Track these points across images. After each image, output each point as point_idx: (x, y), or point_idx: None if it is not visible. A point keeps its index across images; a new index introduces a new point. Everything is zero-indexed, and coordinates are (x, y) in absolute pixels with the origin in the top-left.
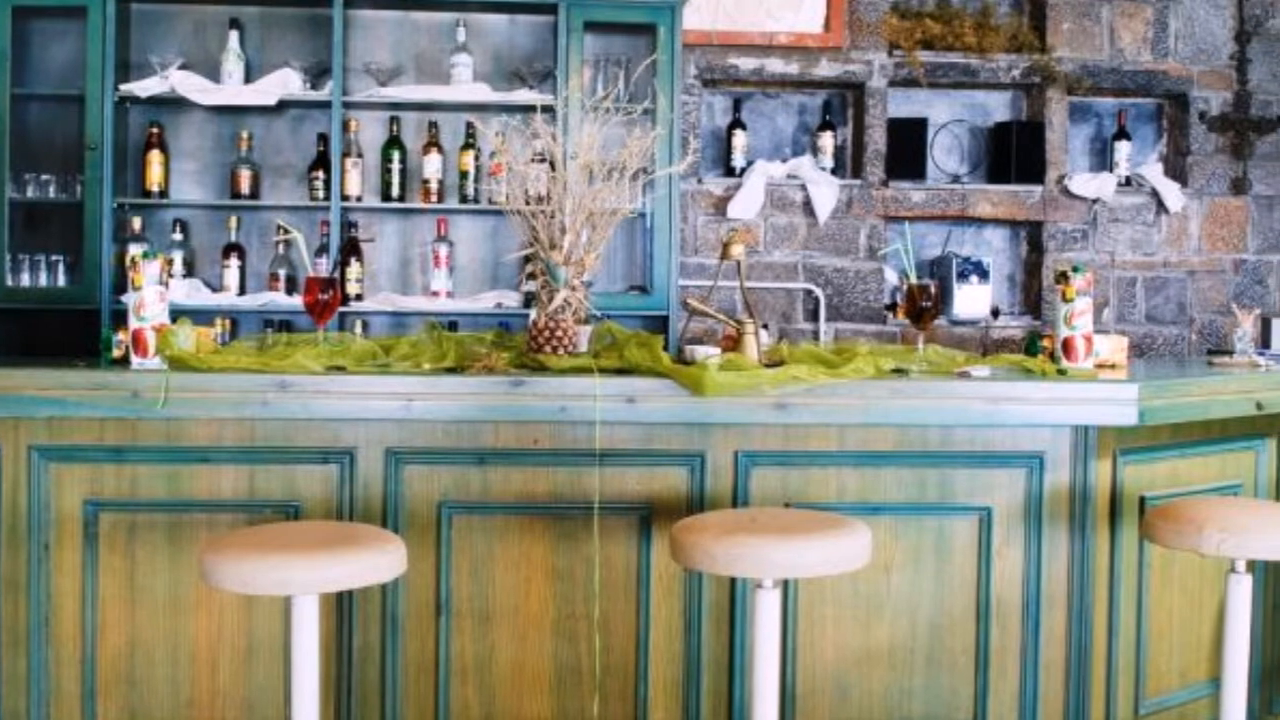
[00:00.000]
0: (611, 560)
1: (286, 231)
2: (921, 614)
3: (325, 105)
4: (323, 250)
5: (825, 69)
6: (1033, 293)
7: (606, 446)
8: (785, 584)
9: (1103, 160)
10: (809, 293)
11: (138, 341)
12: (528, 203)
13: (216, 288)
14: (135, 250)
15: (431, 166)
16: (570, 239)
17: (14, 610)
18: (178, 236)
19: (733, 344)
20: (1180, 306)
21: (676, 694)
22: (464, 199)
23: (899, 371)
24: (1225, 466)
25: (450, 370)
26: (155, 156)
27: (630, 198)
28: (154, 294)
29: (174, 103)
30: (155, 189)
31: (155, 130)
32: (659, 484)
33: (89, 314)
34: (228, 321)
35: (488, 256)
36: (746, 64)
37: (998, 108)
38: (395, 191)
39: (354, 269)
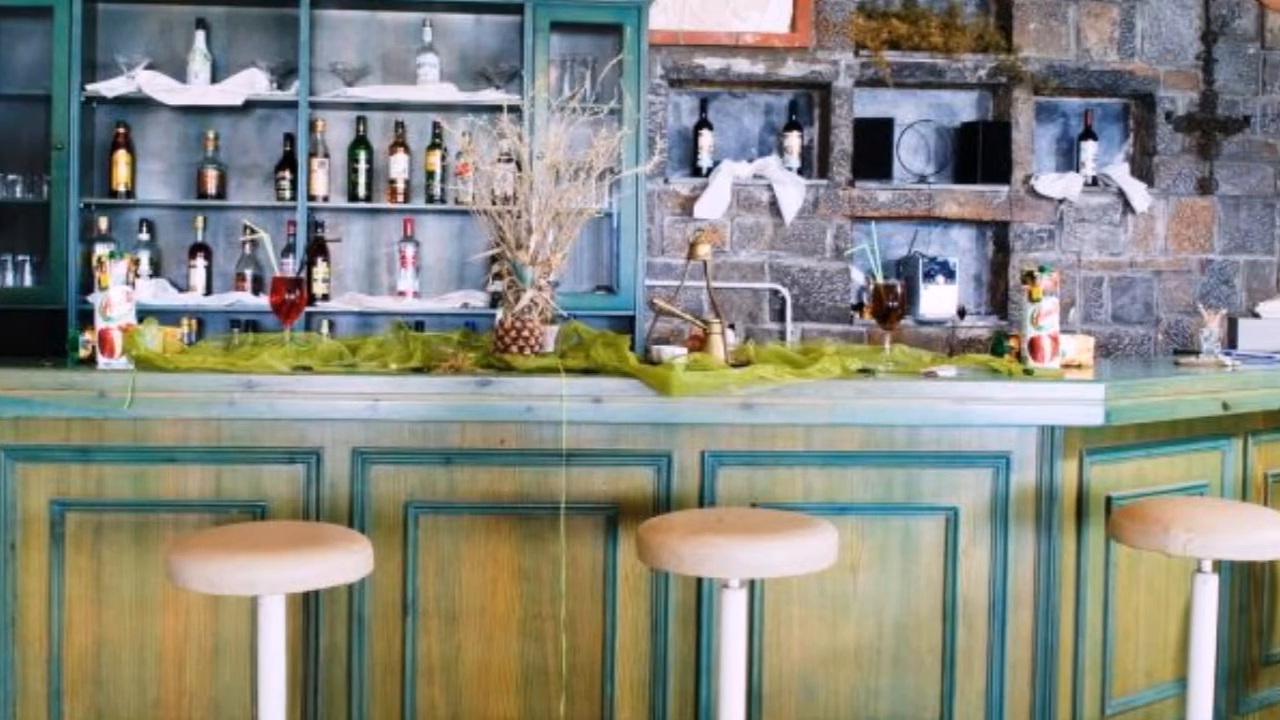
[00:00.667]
0: (578, 560)
1: (253, 231)
2: (888, 614)
3: (292, 105)
4: (289, 250)
5: (791, 69)
6: (999, 293)
7: (573, 446)
8: (752, 584)
9: (1069, 160)
10: (775, 293)
11: (104, 341)
12: (494, 203)
13: (183, 288)
14: (102, 250)
15: (398, 166)
16: (537, 239)
17: None
18: (144, 236)
19: (699, 344)
20: (1147, 306)
21: (643, 694)
22: (430, 199)
23: (865, 371)
24: (1191, 466)
25: (417, 370)
26: (122, 156)
27: (597, 198)
28: (120, 294)
29: (140, 103)
30: (122, 189)
31: (122, 130)
32: (625, 484)
33: (55, 314)
34: (194, 321)
35: (454, 256)
36: (713, 64)
37: (964, 108)
38: (362, 191)
39: (320, 269)
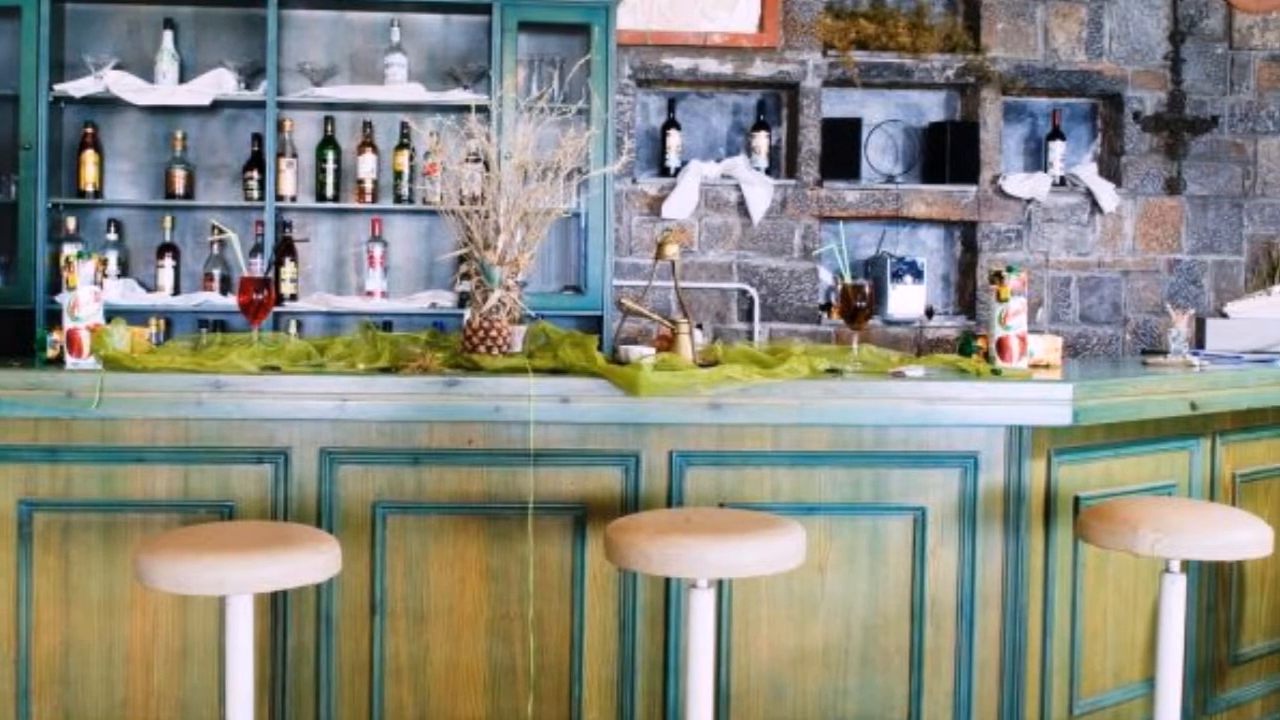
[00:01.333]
0: (546, 560)
1: (221, 231)
2: (856, 614)
3: (260, 105)
4: (257, 250)
5: (759, 69)
6: (967, 293)
7: (541, 446)
8: (720, 584)
9: (1037, 160)
10: (743, 293)
11: (72, 341)
12: (462, 203)
13: (151, 288)
14: (70, 250)
15: (366, 166)
16: (505, 239)
17: None
18: (112, 236)
19: (667, 344)
20: (1114, 306)
21: (611, 694)
22: (398, 199)
23: (833, 371)
24: (1159, 466)
25: (385, 370)
26: (90, 156)
27: (565, 198)
28: (88, 294)
29: (108, 103)
30: (90, 189)
31: (90, 130)
32: (593, 484)
33: (23, 314)
34: (162, 322)
35: (422, 256)
36: (681, 64)
37: (932, 108)
38: (330, 191)
39: (289, 269)
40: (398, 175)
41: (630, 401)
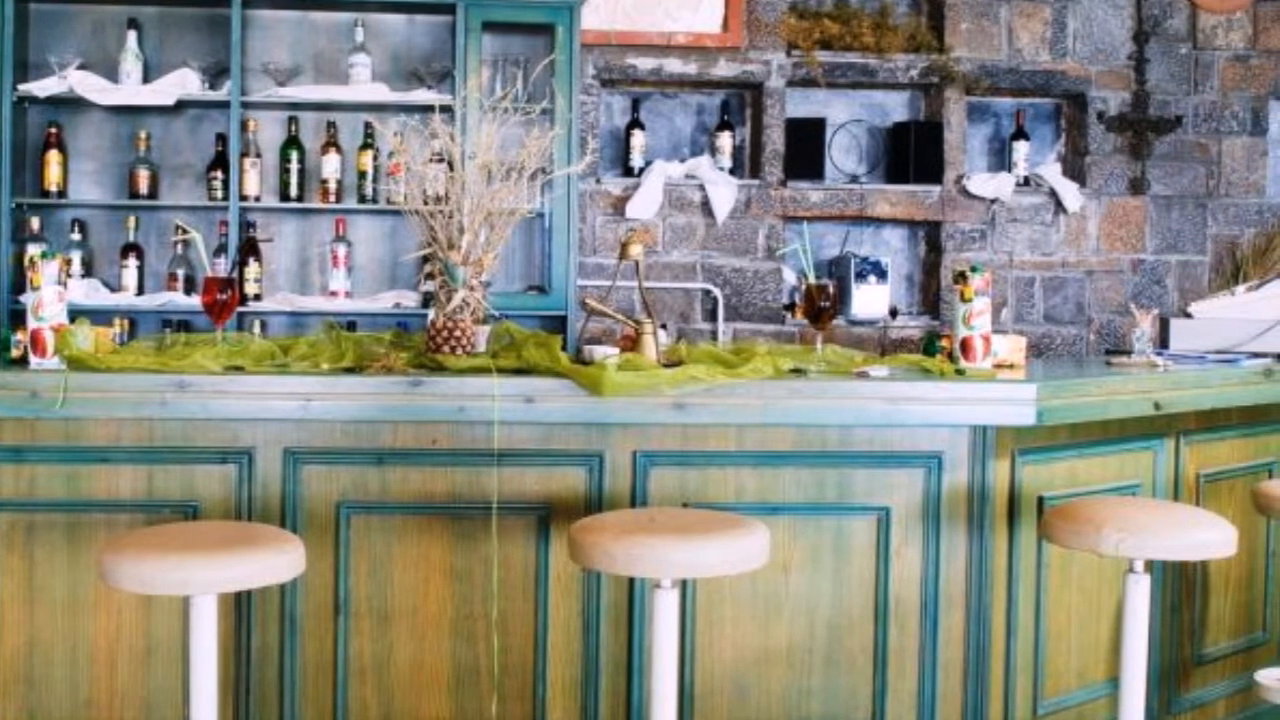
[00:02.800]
0: (510, 560)
1: (185, 231)
2: (820, 614)
3: (224, 105)
4: (221, 250)
5: (723, 69)
6: (931, 293)
7: (505, 446)
8: (684, 584)
9: (1001, 160)
10: (707, 293)
11: (36, 341)
12: (426, 203)
13: (115, 288)
14: (34, 250)
15: (330, 166)
16: (469, 239)
17: None
18: (76, 236)
19: (631, 344)
20: (1079, 306)
21: (575, 694)
22: (362, 199)
23: (797, 371)
24: (1124, 466)
25: (349, 370)
26: (54, 156)
27: (529, 198)
28: (52, 294)
29: (72, 103)
30: (54, 189)
31: (54, 130)
32: (557, 484)
33: None
34: (126, 322)
35: (386, 256)
36: (645, 64)
37: (896, 108)
38: (294, 191)
39: (252, 269)
40: (362, 175)
41: (594, 401)
